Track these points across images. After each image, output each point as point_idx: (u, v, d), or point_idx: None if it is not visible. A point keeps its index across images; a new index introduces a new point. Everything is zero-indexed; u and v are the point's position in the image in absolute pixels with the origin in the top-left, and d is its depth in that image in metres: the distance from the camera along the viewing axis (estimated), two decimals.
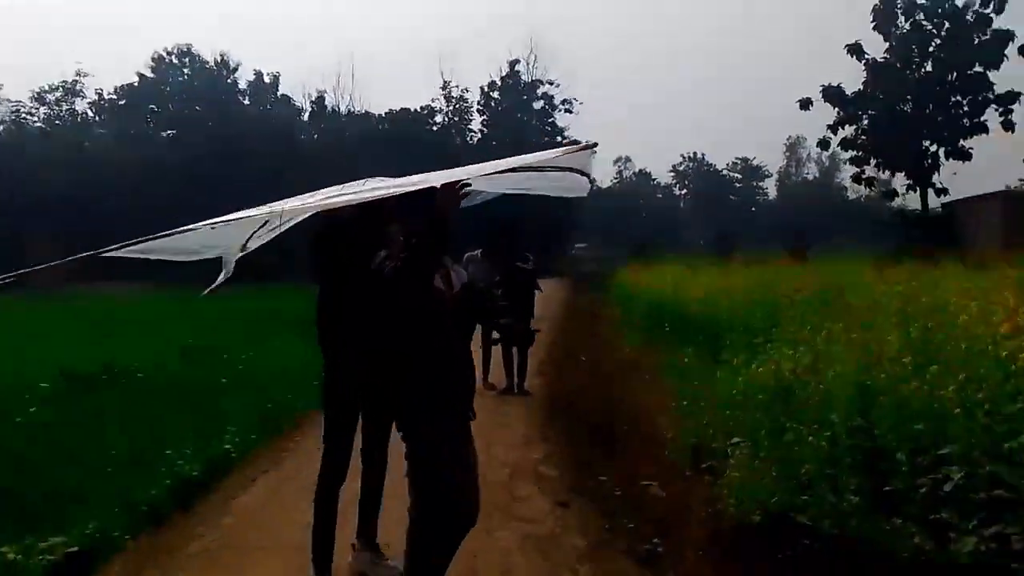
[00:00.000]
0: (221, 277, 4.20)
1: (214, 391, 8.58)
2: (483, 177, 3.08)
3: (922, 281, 11.71)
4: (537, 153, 3.04)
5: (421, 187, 2.76)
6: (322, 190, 3.07)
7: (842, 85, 35.42)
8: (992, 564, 3.76)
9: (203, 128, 48.93)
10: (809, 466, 4.67)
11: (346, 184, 3.09)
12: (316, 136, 54.02)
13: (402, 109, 53.31)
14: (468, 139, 54.48)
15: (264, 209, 2.89)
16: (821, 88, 35.28)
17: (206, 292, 4.61)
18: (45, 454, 6.19)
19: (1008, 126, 32.81)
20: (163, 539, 4.51)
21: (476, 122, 55.65)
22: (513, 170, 3.17)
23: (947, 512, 4.08)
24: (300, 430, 7.17)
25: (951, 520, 4.04)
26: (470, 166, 2.94)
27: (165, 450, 6.12)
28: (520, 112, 54.10)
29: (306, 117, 55.51)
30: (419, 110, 53.61)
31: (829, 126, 35.96)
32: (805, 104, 35.58)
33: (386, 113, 53.77)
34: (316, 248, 3.56)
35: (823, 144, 37.44)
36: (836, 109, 35.66)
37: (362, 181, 3.06)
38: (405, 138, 48.43)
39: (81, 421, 7.41)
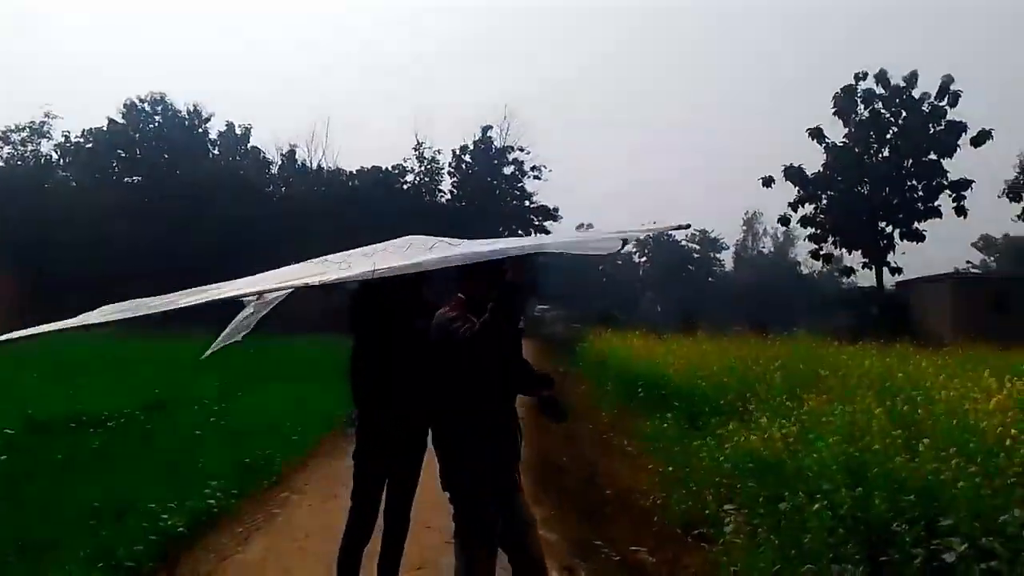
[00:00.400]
0: (223, 339, 4.11)
1: (189, 443, 8.37)
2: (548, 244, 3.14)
3: (887, 358, 12.11)
4: (632, 230, 3.12)
5: (500, 255, 2.85)
6: (381, 244, 3.11)
7: (803, 166, 36.92)
8: None
9: (171, 175, 48.66)
10: (810, 536, 4.71)
11: (410, 240, 3.12)
12: (284, 189, 54.00)
13: (373, 167, 53.74)
14: (438, 199, 54.92)
15: (337, 268, 2.88)
16: (783, 168, 36.70)
17: (208, 354, 4.49)
18: (12, 503, 5.95)
19: (960, 211, 34.37)
20: None
21: (447, 183, 56.34)
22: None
23: None
24: (284, 485, 7.02)
25: None
26: (552, 237, 3.00)
27: (144, 503, 5.93)
28: (490, 176, 54.90)
29: (275, 170, 55.54)
30: (390, 169, 54.08)
31: (790, 204, 37.31)
32: (767, 182, 36.91)
33: (357, 170, 54.13)
34: (361, 302, 3.55)
35: (783, 220, 38.80)
36: (797, 188, 37.02)
37: (430, 243, 3.09)
38: (375, 196, 48.71)
39: (49, 470, 7.17)
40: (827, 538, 4.68)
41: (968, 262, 61.52)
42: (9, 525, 5.42)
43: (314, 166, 55.20)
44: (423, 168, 55.29)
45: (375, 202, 47.92)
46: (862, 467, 5.52)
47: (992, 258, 61.27)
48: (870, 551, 4.61)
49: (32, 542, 5.08)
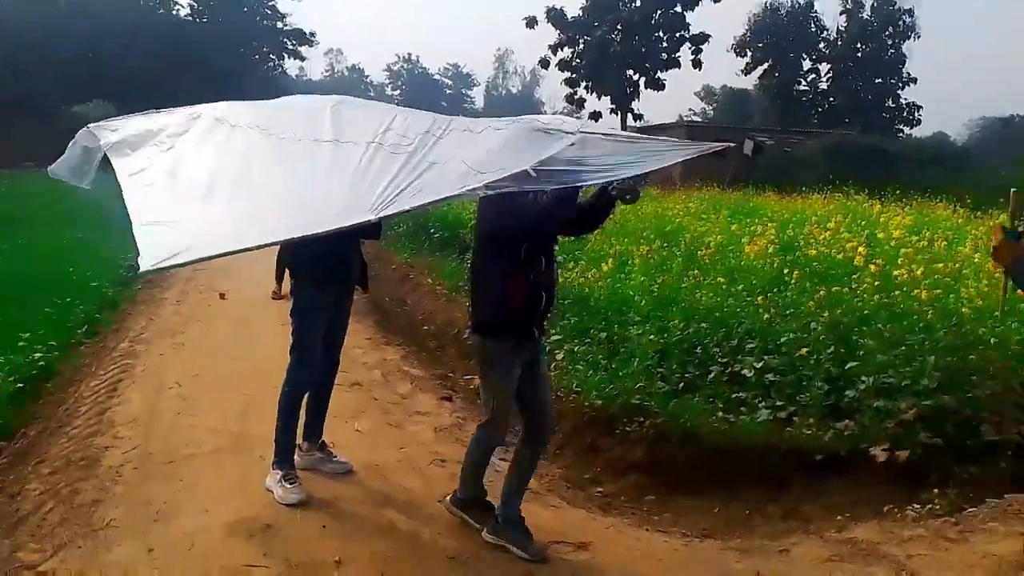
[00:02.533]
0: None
1: None
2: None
3: (652, 204, 13.67)
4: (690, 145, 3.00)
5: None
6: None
7: (564, 9, 37.84)
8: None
9: None
10: (636, 359, 5.63)
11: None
12: None
13: None
14: (174, 13, 48.48)
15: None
16: (546, 9, 37.35)
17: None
18: None
19: (697, 64, 37.67)
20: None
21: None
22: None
23: (743, 392, 5.31)
24: (118, 335, 6.68)
25: (745, 398, 5.27)
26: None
27: None
28: None
29: None
30: None
31: (550, 46, 38.33)
32: (531, 23, 37.43)
33: None
34: None
35: (543, 63, 39.74)
36: (558, 31, 38.02)
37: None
38: (95, 11, 41.82)
39: None
40: (650, 360, 5.63)
41: (690, 109, 68.11)
42: None
43: None
44: None
45: (96, 20, 41.26)
46: (665, 301, 6.58)
47: (711, 107, 67.99)
48: (680, 371, 5.64)
49: None
